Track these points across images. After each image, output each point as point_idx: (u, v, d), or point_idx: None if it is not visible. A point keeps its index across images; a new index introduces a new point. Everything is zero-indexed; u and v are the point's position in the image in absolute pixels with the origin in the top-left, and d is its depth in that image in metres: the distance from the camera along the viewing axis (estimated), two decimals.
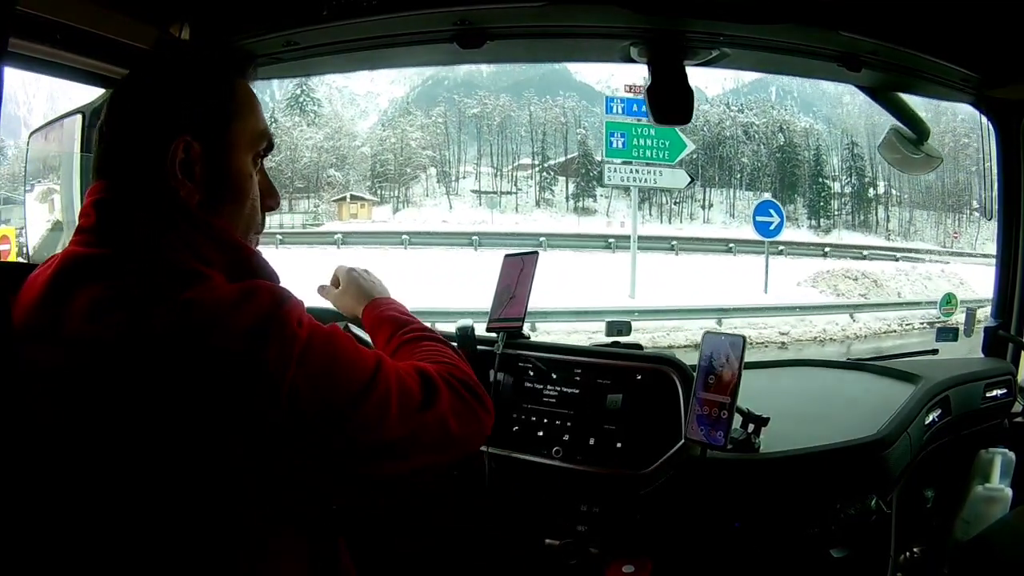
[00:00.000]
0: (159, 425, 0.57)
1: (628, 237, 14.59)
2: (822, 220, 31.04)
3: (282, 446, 0.59)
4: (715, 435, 0.99)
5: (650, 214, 29.50)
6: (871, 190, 32.07)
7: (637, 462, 1.09)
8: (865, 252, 21.96)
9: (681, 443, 1.07)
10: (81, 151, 1.40)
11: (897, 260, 20.85)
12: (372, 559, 1.05)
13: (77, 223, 0.69)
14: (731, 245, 20.41)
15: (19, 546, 0.57)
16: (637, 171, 14.19)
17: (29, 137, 1.46)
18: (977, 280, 15.59)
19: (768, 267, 14.01)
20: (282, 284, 0.67)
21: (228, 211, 0.70)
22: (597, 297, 11.92)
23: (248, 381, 0.58)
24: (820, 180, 31.63)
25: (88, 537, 0.59)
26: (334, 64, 1.43)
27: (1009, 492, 1.38)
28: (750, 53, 1.26)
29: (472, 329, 1.25)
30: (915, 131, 1.51)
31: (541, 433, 1.17)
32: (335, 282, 1.02)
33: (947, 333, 1.76)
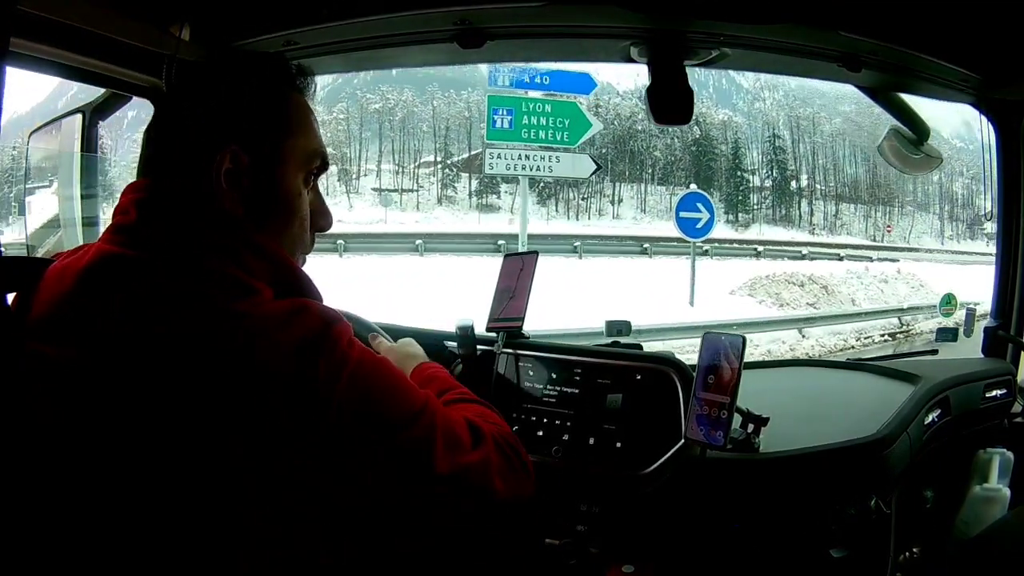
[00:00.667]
0: (189, 433, 0.56)
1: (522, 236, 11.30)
2: (740, 215, 30.43)
3: (326, 466, 0.59)
4: (715, 435, 0.99)
5: (556, 211, 28.94)
6: (793, 183, 31.50)
7: (637, 462, 1.09)
8: (805, 251, 19.91)
9: (681, 443, 1.07)
10: (81, 151, 1.40)
11: (841, 259, 19.14)
12: (372, 558, 1.05)
13: (111, 219, 0.67)
14: (646, 245, 17.97)
15: (41, 541, 0.57)
16: (527, 157, 10.45)
17: (29, 136, 1.45)
18: (939, 280, 14.39)
19: (695, 273, 11.41)
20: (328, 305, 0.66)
21: (274, 227, 0.69)
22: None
23: (296, 399, 0.57)
24: (739, 174, 31.00)
25: (109, 537, 0.58)
26: (334, 64, 1.43)
27: (1007, 492, 1.38)
28: (750, 53, 1.26)
29: (472, 328, 1.25)
30: (915, 131, 1.51)
31: (541, 433, 1.17)
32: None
33: (947, 333, 1.76)
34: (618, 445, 1.11)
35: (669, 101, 1.21)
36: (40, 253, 1.40)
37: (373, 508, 0.63)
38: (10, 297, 0.68)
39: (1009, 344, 1.61)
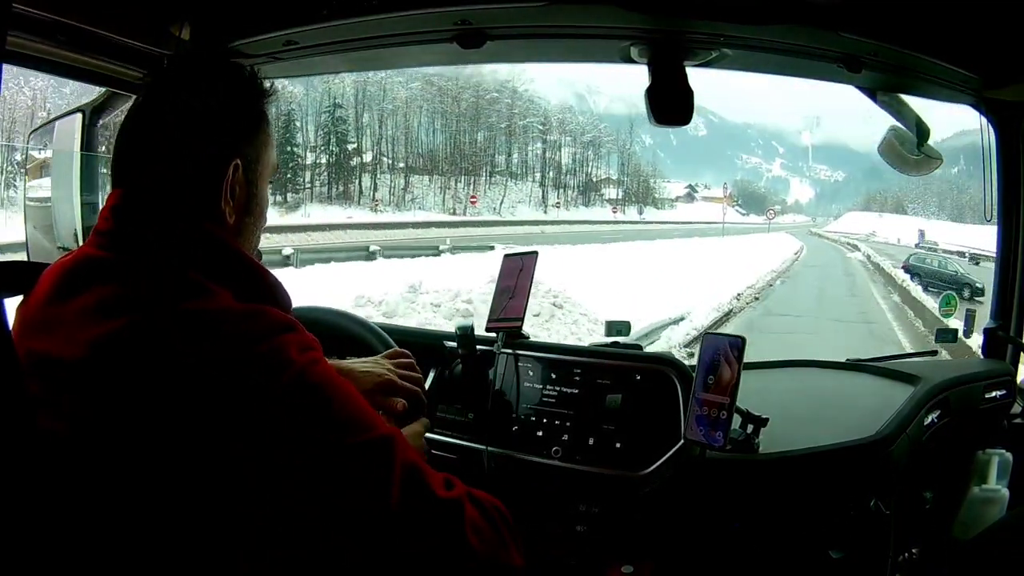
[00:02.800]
0: (147, 427, 0.57)
1: None
2: (289, 195, 28.04)
3: (274, 468, 0.58)
4: (714, 435, 0.99)
5: None
6: (356, 158, 29.08)
7: (636, 462, 1.09)
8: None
9: (680, 443, 1.07)
10: (81, 150, 1.40)
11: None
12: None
13: (95, 224, 0.70)
14: None
15: (20, 544, 0.57)
16: None
17: (29, 136, 1.45)
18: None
19: None
20: (292, 316, 0.66)
21: (249, 232, 0.74)
22: None
23: (240, 395, 0.58)
24: (289, 149, 28.67)
25: (85, 532, 0.59)
26: (334, 64, 1.43)
27: (1006, 493, 1.38)
28: (750, 54, 1.26)
29: (472, 329, 1.25)
30: (915, 132, 1.51)
31: (540, 433, 1.17)
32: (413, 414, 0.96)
33: (946, 334, 1.76)
34: (617, 445, 1.11)
35: (669, 101, 1.21)
36: (41, 256, 1.40)
37: (331, 531, 0.60)
38: (14, 301, 0.71)
39: (1009, 345, 1.61)
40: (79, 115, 1.39)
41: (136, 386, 0.58)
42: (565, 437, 1.15)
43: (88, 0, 1.06)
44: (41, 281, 0.69)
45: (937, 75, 1.35)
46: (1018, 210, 1.58)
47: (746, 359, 1.00)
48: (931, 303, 13.31)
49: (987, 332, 1.63)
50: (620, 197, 61.91)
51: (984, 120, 1.55)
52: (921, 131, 1.50)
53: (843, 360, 1.66)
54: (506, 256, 1.29)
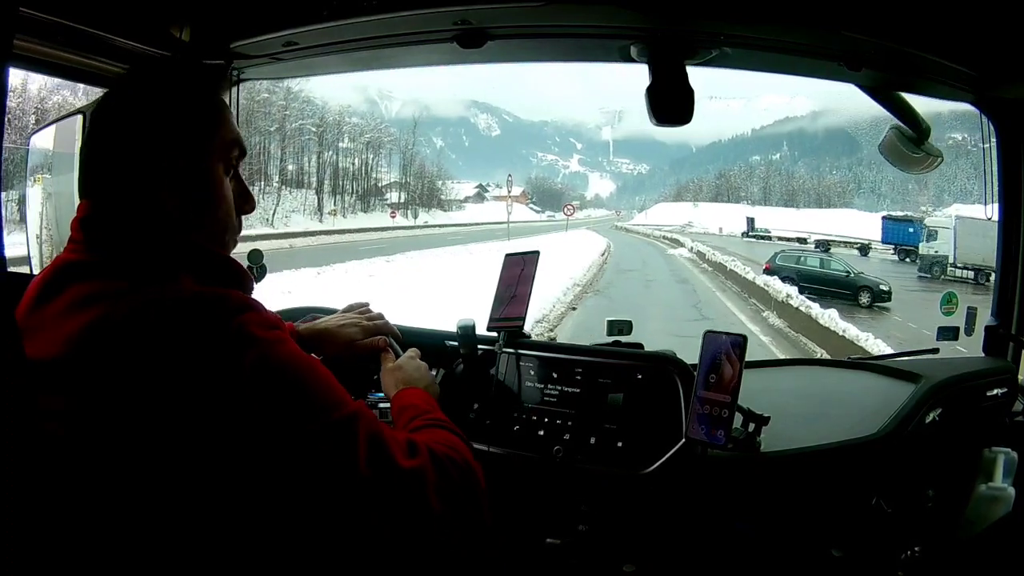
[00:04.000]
0: (124, 415, 0.60)
1: None
2: None
3: (242, 449, 0.60)
4: (716, 434, 0.99)
5: None
6: None
7: (638, 461, 1.09)
8: None
9: (682, 442, 1.07)
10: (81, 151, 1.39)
11: None
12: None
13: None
14: None
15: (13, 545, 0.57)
16: None
17: (30, 138, 1.45)
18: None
19: None
20: (254, 295, 0.71)
21: (205, 218, 0.75)
22: None
23: (203, 377, 0.60)
24: None
25: (80, 524, 0.61)
26: (334, 64, 1.43)
27: (1012, 492, 1.38)
28: (750, 53, 1.27)
29: (473, 328, 1.25)
30: (915, 130, 1.51)
31: (542, 432, 1.17)
32: (396, 353, 1.07)
33: (948, 332, 1.76)
34: (619, 444, 1.11)
35: (669, 101, 1.20)
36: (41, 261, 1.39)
37: (305, 506, 0.63)
38: None
39: (1010, 343, 1.61)
40: (79, 117, 1.39)
41: (108, 376, 0.60)
42: (567, 436, 1.15)
43: (89, 2, 1.06)
44: (28, 291, 0.72)
45: (937, 73, 1.35)
46: (1019, 208, 1.57)
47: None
48: (837, 321, 9.76)
49: (988, 330, 1.63)
50: (402, 201, 58.47)
51: (984, 119, 1.55)
52: (921, 129, 1.50)
53: (845, 359, 1.66)
54: (507, 256, 1.29)
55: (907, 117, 1.50)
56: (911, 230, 31.52)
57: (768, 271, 15.78)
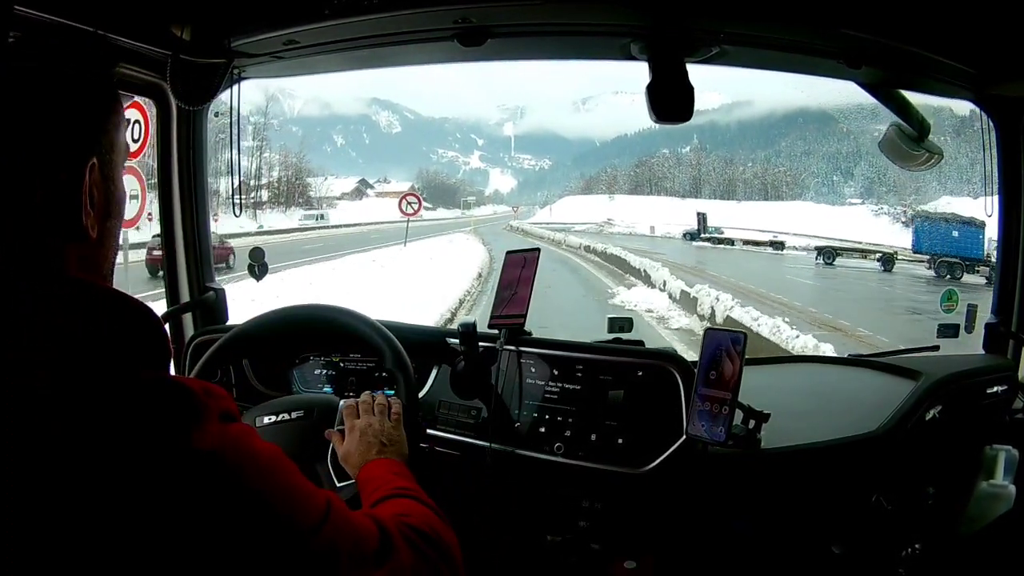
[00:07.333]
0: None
1: None
2: None
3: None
4: (716, 431, 0.99)
5: None
6: None
7: (638, 458, 1.10)
8: None
9: (683, 439, 1.07)
10: None
11: None
12: None
13: None
14: None
15: None
16: None
17: None
18: None
19: None
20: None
21: (112, 238, 0.61)
22: None
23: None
24: None
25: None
26: (335, 63, 1.43)
27: (1013, 489, 1.38)
28: (751, 51, 1.27)
29: (474, 326, 1.25)
30: (915, 128, 1.51)
31: (543, 429, 1.17)
32: (350, 427, 0.95)
33: (948, 329, 1.76)
34: (620, 441, 1.12)
35: (669, 98, 1.20)
36: None
37: None
38: None
39: (1010, 340, 1.61)
40: None
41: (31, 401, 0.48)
42: (567, 433, 1.15)
43: (89, 1, 1.06)
44: None
45: (937, 71, 1.35)
46: (1018, 206, 1.57)
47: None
48: None
49: (988, 327, 1.63)
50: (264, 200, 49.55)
51: (984, 117, 1.55)
52: (922, 127, 1.50)
53: (845, 356, 1.66)
54: (509, 253, 1.29)
55: (907, 115, 1.50)
56: (955, 234, 22.22)
57: None
